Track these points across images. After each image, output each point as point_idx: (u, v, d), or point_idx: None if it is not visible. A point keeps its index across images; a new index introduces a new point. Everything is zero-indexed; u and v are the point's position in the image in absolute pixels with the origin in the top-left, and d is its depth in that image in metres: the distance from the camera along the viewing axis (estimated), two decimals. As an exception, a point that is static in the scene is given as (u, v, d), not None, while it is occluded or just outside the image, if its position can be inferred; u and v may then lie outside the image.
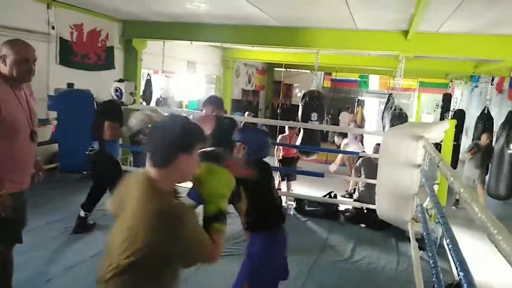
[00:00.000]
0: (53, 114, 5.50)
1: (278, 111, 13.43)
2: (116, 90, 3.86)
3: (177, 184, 1.49)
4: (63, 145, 5.35)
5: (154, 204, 1.34)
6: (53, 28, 5.79)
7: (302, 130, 6.86)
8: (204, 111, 3.90)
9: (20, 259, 3.20)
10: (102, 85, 6.79)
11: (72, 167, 5.46)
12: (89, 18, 6.43)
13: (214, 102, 3.84)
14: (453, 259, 1.74)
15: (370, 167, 5.47)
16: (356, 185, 6.15)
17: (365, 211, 5.12)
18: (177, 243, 1.33)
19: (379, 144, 5.89)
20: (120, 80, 3.98)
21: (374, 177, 5.13)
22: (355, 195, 5.94)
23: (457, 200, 6.94)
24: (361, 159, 6.09)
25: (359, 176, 5.87)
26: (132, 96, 3.95)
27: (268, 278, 2.45)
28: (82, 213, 3.92)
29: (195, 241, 1.39)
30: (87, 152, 3.77)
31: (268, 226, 2.47)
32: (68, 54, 6.10)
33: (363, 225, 4.83)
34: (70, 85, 5.99)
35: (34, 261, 3.22)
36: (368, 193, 5.34)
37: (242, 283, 2.43)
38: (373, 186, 5.26)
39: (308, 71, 13.18)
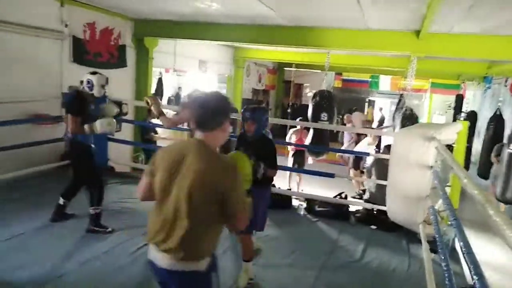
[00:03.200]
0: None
1: (288, 110, 13.42)
2: (88, 82, 3.80)
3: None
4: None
5: (220, 161, 1.74)
6: (66, 26, 5.85)
7: (312, 130, 6.86)
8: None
9: (33, 255, 3.26)
10: (114, 83, 6.85)
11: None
12: (102, 17, 6.49)
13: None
14: (466, 262, 1.73)
15: (381, 168, 5.43)
16: (366, 186, 6.12)
17: (375, 212, 5.09)
18: (235, 192, 1.71)
19: (387, 146, 5.86)
20: (93, 73, 3.91)
21: (385, 178, 5.10)
22: (366, 196, 5.90)
23: None
24: (373, 159, 6.04)
25: (370, 177, 5.83)
26: (103, 89, 3.88)
27: None
28: (61, 201, 4.00)
29: (242, 193, 1.76)
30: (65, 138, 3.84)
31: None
32: (81, 52, 6.17)
33: (373, 227, 4.80)
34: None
35: (47, 257, 3.26)
36: (380, 194, 5.30)
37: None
38: (384, 187, 5.22)
39: (319, 71, 13.11)
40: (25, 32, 5.23)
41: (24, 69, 5.32)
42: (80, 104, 3.73)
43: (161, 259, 1.74)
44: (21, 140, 5.04)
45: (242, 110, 3.31)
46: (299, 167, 7.21)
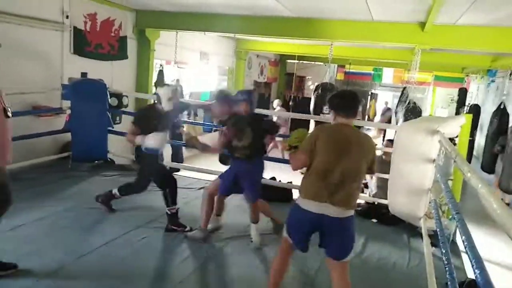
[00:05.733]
0: (67, 104, 5.52)
1: (290, 103, 13.36)
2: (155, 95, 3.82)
3: None
4: (76, 134, 5.38)
5: (364, 133, 2.64)
6: (67, 17, 5.80)
7: (313, 123, 6.83)
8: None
9: (31, 246, 3.25)
10: (115, 75, 6.83)
11: (84, 156, 5.51)
12: (102, 7, 6.43)
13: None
14: (468, 256, 1.70)
15: (381, 165, 5.36)
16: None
17: (376, 205, 5.05)
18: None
19: (389, 141, 5.78)
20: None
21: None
22: (367, 193, 5.83)
23: None
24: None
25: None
26: (171, 101, 3.74)
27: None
28: (116, 192, 3.99)
29: None
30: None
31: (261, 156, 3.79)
32: (82, 44, 6.12)
33: (374, 220, 4.77)
34: (84, 74, 6.02)
35: (45, 249, 3.25)
36: (382, 193, 5.25)
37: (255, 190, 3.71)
38: (385, 185, 5.16)
39: (321, 64, 13.05)
40: (25, 23, 5.20)
41: (25, 61, 5.28)
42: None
43: (330, 211, 2.39)
44: (21, 132, 5.02)
45: (236, 94, 3.76)
46: None
